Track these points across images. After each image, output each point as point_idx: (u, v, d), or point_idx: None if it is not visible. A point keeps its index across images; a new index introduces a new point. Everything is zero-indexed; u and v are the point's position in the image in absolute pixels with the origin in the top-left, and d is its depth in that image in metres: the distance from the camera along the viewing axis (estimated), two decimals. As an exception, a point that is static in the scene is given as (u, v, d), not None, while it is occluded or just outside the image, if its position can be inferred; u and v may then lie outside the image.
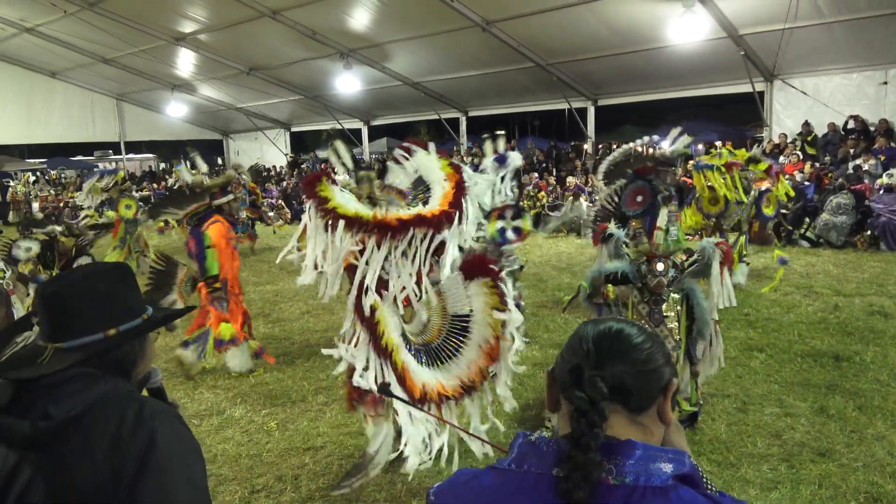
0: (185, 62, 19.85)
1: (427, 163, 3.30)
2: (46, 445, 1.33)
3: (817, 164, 13.14)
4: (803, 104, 14.16)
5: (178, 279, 5.76)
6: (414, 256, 2.95)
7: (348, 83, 17.91)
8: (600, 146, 18.48)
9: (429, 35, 15.22)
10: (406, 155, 3.42)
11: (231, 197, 6.07)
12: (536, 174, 17.06)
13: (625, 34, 13.67)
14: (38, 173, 28.63)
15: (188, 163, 6.88)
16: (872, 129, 13.32)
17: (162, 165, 30.86)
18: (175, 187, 10.97)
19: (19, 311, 3.94)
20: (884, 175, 11.24)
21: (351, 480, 2.66)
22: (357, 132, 23.27)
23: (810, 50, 13.07)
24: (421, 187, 3.40)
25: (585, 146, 18.72)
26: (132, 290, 1.57)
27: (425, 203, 3.15)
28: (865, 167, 12.25)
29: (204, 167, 6.59)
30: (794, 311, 7.10)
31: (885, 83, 13.26)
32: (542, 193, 15.44)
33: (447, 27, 14.47)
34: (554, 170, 18.06)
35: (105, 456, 1.32)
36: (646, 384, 1.06)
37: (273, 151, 25.04)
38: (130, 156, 28.24)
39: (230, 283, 5.86)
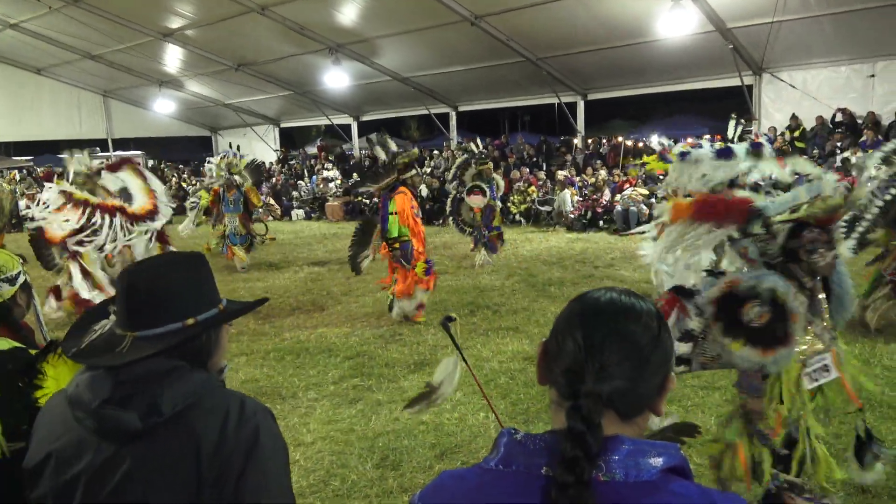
0: (173, 58, 19.71)
1: None
2: (151, 440, 1.32)
3: (806, 157, 13.19)
4: (792, 97, 14.23)
5: (373, 237, 7.14)
6: None
7: (337, 78, 17.83)
8: (590, 141, 18.51)
9: (418, 30, 15.19)
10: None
11: (414, 172, 7.23)
12: (527, 169, 17.07)
13: (614, 28, 13.67)
14: (24, 171, 28.37)
15: (378, 144, 7.77)
16: (860, 121, 13.40)
17: (151, 162, 30.64)
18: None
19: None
20: (872, 168, 11.29)
21: (416, 406, 2.68)
22: (346, 128, 23.20)
23: (798, 43, 13.12)
24: None
25: (575, 141, 18.75)
26: (208, 279, 1.55)
27: None
28: (853, 160, 12.30)
29: (393, 146, 7.66)
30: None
31: (873, 76, 13.34)
32: (533, 188, 15.46)
33: (436, 22, 14.43)
34: (544, 164, 18.08)
35: (213, 450, 1.32)
36: (646, 391, 1.02)
37: (262, 147, 24.92)
38: (118, 153, 27.92)
39: (416, 245, 7.02)
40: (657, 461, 0.96)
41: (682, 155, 3.08)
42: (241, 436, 1.35)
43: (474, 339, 6.41)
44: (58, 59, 20.90)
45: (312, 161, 24.27)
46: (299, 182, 21.51)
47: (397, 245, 6.84)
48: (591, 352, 1.00)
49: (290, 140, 29.27)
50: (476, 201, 10.08)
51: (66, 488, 1.33)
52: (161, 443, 1.32)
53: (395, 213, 6.79)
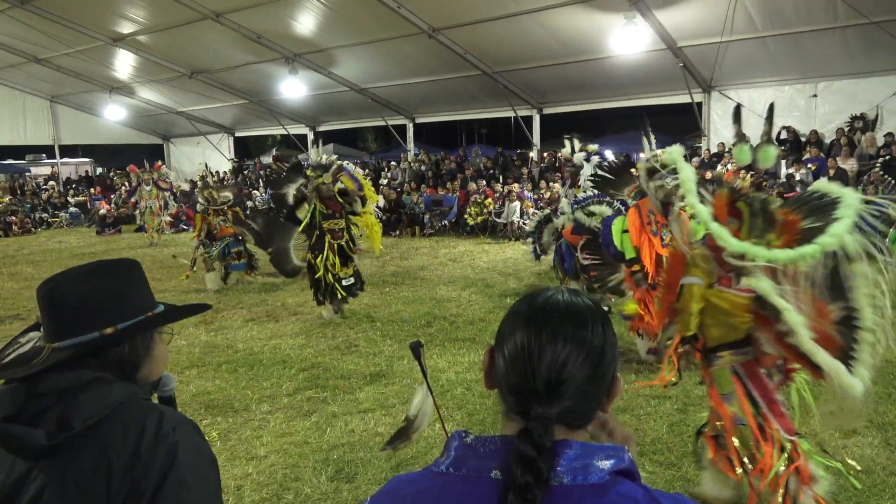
0: (124, 64, 19.26)
1: None
2: (62, 456, 1.27)
3: (753, 173, 13.61)
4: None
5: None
6: None
7: (294, 88, 17.69)
8: (545, 154, 18.75)
9: (376, 41, 15.20)
10: None
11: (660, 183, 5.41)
12: (484, 181, 17.19)
13: (569, 44, 13.93)
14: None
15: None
16: (803, 139, 13.91)
17: (100, 170, 29.85)
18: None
19: None
20: (814, 184, 11.73)
21: (395, 444, 2.63)
22: (303, 138, 23.01)
23: (745, 63, 13.58)
24: None
25: (531, 154, 18.97)
26: (137, 286, 1.50)
27: None
28: (797, 176, 12.77)
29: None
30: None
31: (815, 96, 13.87)
32: (489, 200, 15.57)
33: (394, 34, 14.47)
34: (501, 177, 18.23)
35: (125, 468, 1.27)
36: (596, 400, 1.02)
37: (216, 157, 24.51)
38: (65, 160, 27.15)
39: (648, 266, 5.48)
40: (605, 464, 0.96)
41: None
42: (158, 452, 1.30)
43: (431, 349, 6.40)
44: (2, 62, 20.23)
45: (268, 171, 23.97)
46: (254, 192, 21.21)
47: (637, 267, 5.55)
48: (539, 365, 0.99)
49: (245, 149, 28.89)
50: None
51: None
52: (72, 459, 1.28)
53: (625, 231, 5.58)
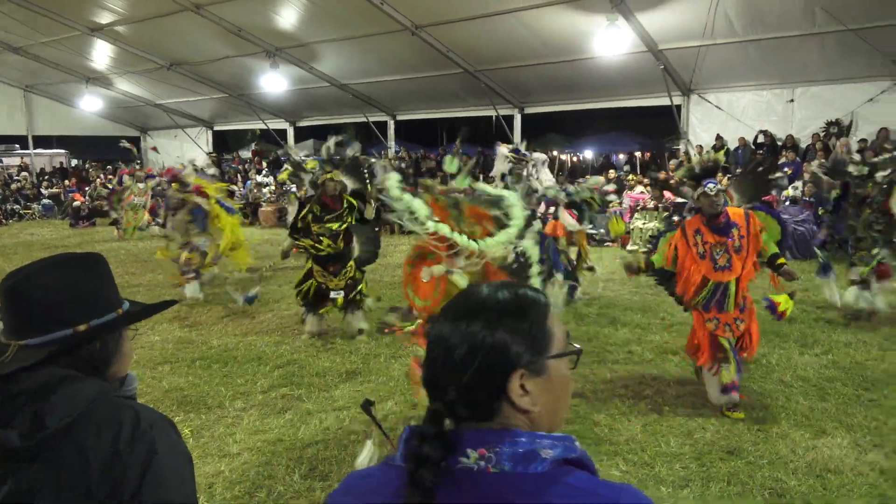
0: (101, 54, 18.95)
1: None
2: (38, 457, 1.24)
3: (730, 176, 13.76)
4: (717, 118, 14.82)
5: None
6: None
7: (275, 82, 17.53)
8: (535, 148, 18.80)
9: (358, 37, 15.10)
10: None
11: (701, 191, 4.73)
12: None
13: (551, 44, 13.95)
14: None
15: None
16: (780, 143, 14.08)
17: (75, 162, 29.38)
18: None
19: None
20: (789, 188, 11.89)
21: None
22: (283, 132, 22.82)
23: (725, 67, 13.71)
24: None
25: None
26: (105, 281, 1.46)
27: None
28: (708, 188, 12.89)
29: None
30: (706, 316, 7.38)
31: (792, 101, 14.05)
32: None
33: (376, 30, 14.39)
34: (481, 176, 18.23)
35: (103, 467, 1.25)
36: (489, 397, 1.01)
37: (194, 150, 24.21)
38: (39, 151, 26.66)
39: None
40: (549, 453, 0.97)
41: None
42: (136, 450, 1.28)
43: (405, 348, 6.38)
44: (-25, 50, 19.85)
45: (246, 166, 23.78)
46: (232, 187, 21.02)
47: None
48: (435, 357, 1.03)
49: (224, 143, 28.56)
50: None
51: None
52: (48, 459, 1.25)
53: None
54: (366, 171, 6.89)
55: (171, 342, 6.78)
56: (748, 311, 4.77)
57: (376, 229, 7.25)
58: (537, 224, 8.18)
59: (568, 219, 7.87)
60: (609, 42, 12.70)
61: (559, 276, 7.94)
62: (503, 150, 10.21)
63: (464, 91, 17.33)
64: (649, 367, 5.74)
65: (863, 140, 12.55)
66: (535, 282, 3.60)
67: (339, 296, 6.63)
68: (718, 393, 4.71)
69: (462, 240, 3.41)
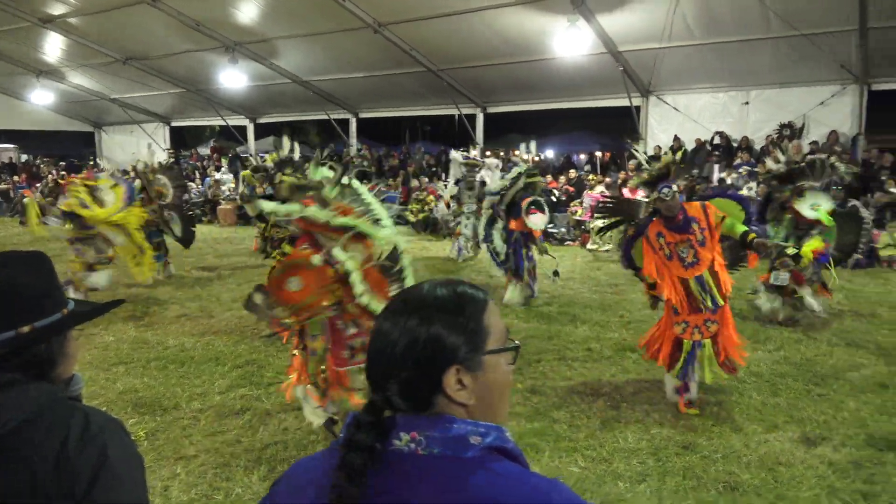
0: (53, 47, 18.39)
1: None
2: None
3: (688, 176, 14.04)
4: (675, 119, 15.11)
5: None
6: None
7: (234, 78, 17.26)
8: (487, 153, 18.87)
9: (320, 33, 14.97)
10: None
11: (655, 195, 4.72)
12: (427, 178, 17.18)
13: (513, 44, 14.03)
14: None
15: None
16: (735, 145, 14.42)
17: (25, 157, 28.50)
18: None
19: None
20: (744, 188, 12.18)
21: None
22: (242, 129, 22.50)
23: (682, 69, 13.98)
24: None
25: (474, 153, 19.04)
26: (50, 281, 1.41)
27: None
28: (728, 180, 13.23)
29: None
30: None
31: (747, 103, 14.40)
32: (431, 198, 15.57)
33: (338, 27, 14.28)
34: (444, 174, 18.25)
35: (51, 471, 1.20)
36: (424, 390, 1.03)
37: (153, 146, 23.71)
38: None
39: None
40: (478, 440, 0.99)
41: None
42: (86, 454, 1.25)
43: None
44: (-83, 40, 19.08)
45: (205, 162, 23.37)
46: (190, 184, 20.64)
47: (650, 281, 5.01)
48: (374, 349, 1.07)
49: (182, 140, 28.05)
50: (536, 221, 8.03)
51: None
52: None
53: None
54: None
55: (125, 342, 6.62)
56: (722, 312, 4.71)
57: None
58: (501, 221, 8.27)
59: (534, 219, 7.95)
60: (570, 43, 12.83)
61: (525, 275, 8.09)
62: (457, 156, 10.36)
63: (426, 90, 17.31)
64: (608, 365, 5.82)
65: (814, 142, 12.93)
66: (409, 281, 3.93)
67: None
68: (673, 391, 4.84)
69: (359, 223, 3.87)
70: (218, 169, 21.98)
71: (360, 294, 3.75)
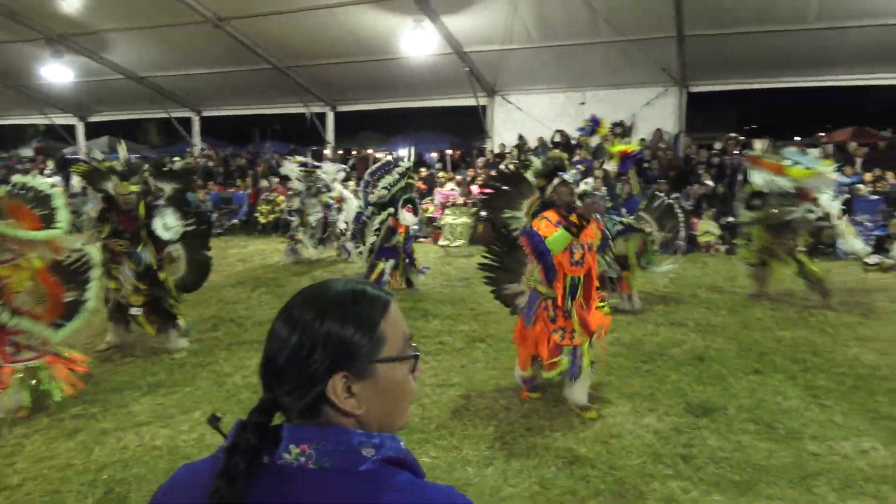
0: None
1: None
2: None
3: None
4: (519, 119, 15.81)
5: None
6: None
7: (58, 73, 15.89)
8: (339, 152, 18.75)
9: (156, 27, 14.15)
10: None
11: (558, 181, 4.70)
12: (276, 178, 16.73)
13: (362, 42, 14.03)
14: None
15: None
16: (574, 142, 15.31)
17: None
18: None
19: None
20: (580, 183, 12.97)
21: None
22: (71, 129, 20.75)
23: (524, 70, 14.67)
24: None
25: (326, 151, 18.82)
26: None
27: None
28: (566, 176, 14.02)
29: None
30: (511, 304, 7.87)
31: (583, 103, 15.33)
32: (281, 198, 15.21)
33: (176, 20, 13.57)
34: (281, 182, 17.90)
35: None
36: (309, 395, 0.99)
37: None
38: None
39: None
40: (371, 452, 0.96)
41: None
42: None
43: (216, 353, 6.12)
44: None
45: (28, 165, 21.29)
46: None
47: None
48: (267, 348, 1.03)
49: (0, 140, 25.40)
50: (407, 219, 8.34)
51: None
52: None
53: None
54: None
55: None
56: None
57: (207, 251, 6.81)
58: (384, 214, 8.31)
59: (407, 216, 8.21)
60: (416, 42, 13.05)
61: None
62: (291, 166, 10.30)
63: (273, 87, 16.90)
64: (459, 356, 6.00)
65: (642, 139, 14.03)
66: (94, 289, 4.77)
67: (139, 313, 6.11)
68: (519, 379, 4.97)
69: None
70: (42, 172, 20.09)
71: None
